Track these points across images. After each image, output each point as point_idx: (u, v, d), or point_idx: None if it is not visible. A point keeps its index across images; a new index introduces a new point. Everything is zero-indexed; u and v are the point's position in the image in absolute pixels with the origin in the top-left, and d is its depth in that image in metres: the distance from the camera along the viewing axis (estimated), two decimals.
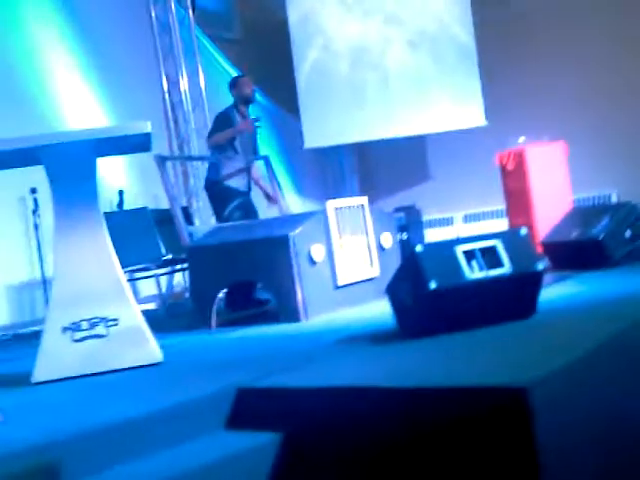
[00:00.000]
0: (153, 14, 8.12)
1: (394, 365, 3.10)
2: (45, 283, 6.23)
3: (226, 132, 6.01)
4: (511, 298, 3.50)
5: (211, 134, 6.17)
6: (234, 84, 6.34)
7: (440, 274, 3.39)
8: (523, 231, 3.61)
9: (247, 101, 6.26)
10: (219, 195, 6.08)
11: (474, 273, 3.42)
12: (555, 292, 4.18)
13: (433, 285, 3.35)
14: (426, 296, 3.39)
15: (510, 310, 3.51)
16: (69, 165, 3.87)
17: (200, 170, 8.22)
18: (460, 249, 3.46)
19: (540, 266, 3.52)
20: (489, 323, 3.44)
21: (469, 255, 3.46)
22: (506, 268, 3.45)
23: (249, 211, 6.09)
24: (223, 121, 6.11)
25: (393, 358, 3.24)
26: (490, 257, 3.46)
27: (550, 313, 3.63)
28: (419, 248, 3.45)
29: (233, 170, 6.05)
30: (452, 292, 3.41)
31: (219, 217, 6.08)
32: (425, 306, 3.44)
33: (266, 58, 8.79)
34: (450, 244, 3.51)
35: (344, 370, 3.11)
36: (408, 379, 2.71)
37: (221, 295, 5.28)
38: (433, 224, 9.31)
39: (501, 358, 2.85)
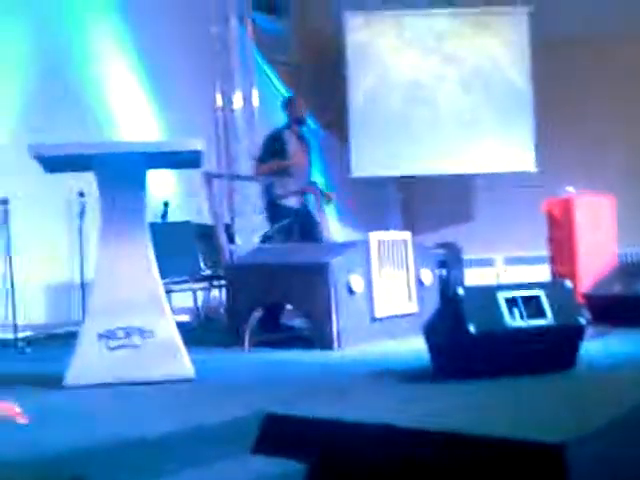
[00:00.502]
0: (213, 32, 8.20)
1: (427, 406, 3.06)
2: (84, 286, 6.28)
3: (277, 164, 6.03)
4: (551, 349, 3.45)
5: (262, 157, 6.19)
6: (288, 103, 6.39)
7: (480, 319, 3.36)
8: (568, 284, 3.57)
9: (299, 121, 6.29)
10: (273, 215, 6.13)
11: (515, 321, 3.38)
12: (595, 347, 4.11)
13: (472, 329, 3.32)
14: (464, 340, 3.36)
15: (549, 361, 3.46)
16: (119, 175, 3.92)
17: (246, 189, 8.26)
18: (502, 295, 3.43)
19: (583, 320, 3.47)
20: (526, 373, 3.39)
21: (511, 302, 3.42)
22: (548, 319, 3.41)
23: (304, 229, 6.05)
24: (274, 142, 6.14)
25: (426, 399, 3.20)
26: (532, 307, 3.43)
27: (590, 367, 3.57)
28: (461, 291, 3.43)
29: (286, 191, 6.06)
30: (491, 338, 3.37)
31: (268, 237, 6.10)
32: (462, 350, 3.41)
33: (320, 83, 8.83)
34: (493, 289, 3.49)
35: (376, 406, 3.08)
36: (440, 422, 2.67)
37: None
38: (473, 264, 9.23)
39: (537, 410, 2.81)
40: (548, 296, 3.45)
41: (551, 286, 3.55)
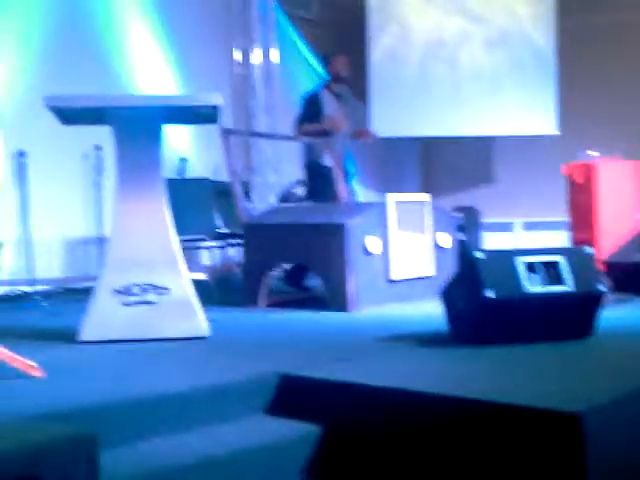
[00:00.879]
0: None
1: (443, 371, 3.04)
2: (101, 241, 6.27)
3: (315, 126, 5.94)
4: (569, 317, 3.41)
5: (300, 120, 6.08)
6: (329, 60, 6.22)
7: (498, 284, 3.31)
8: (588, 250, 3.51)
9: (338, 79, 6.15)
10: (311, 175, 6.13)
11: (534, 287, 3.34)
12: (614, 314, 4.06)
13: (490, 294, 3.28)
14: (481, 304, 3.33)
15: (567, 329, 3.42)
16: (136, 129, 3.87)
17: (263, 147, 8.20)
18: (521, 260, 3.38)
19: (602, 287, 3.42)
20: (544, 339, 3.37)
21: (530, 268, 3.38)
22: (567, 286, 3.37)
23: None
24: (310, 105, 6.04)
25: (442, 363, 3.19)
26: (552, 272, 3.38)
27: (607, 336, 3.53)
28: (479, 255, 3.38)
29: (324, 151, 6.02)
30: (509, 303, 3.34)
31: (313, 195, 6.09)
32: (480, 314, 3.37)
33: (340, 41, 8.69)
34: (511, 254, 3.43)
35: (390, 369, 3.06)
36: (456, 388, 2.65)
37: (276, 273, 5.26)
38: (491, 228, 9.16)
39: (554, 379, 2.77)
40: (568, 262, 3.40)
41: (571, 252, 3.49)
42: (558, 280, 3.36)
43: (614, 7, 8.56)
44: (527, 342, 3.34)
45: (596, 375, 2.83)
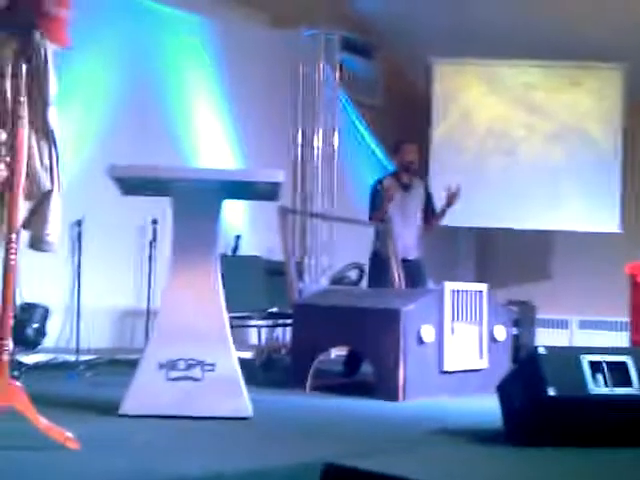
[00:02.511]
0: (301, 70, 8.20)
1: (494, 472, 2.86)
2: (149, 314, 6.23)
3: (380, 210, 5.92)
4: (636, 421, 3.20)
5: (371, 211, 6.04)
6: (396, 149, 6.20)
7: (561, 382, 3.14)
8: None
9: (407, 169, 6.09)
10: (372, 265, 6.07)
11: (599, 388, 3.16)
12: None
13: (552, 392, 3.10)
14: (541, 403, 3.15)
15: (633, 434, 3.21)
16: (196, 201, 3.85)
17: (318, 229, 8.17)
18: (587, 359, 3.20)
19: None
20: (607, 445, 3.16)
21: (595, 367, 3.20)
22: (635, 388, 3.17)
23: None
24: (373, 194, 6.03)
25: (494, 464, 3.00)
26: (618, 373, 3.20)
27: None
28: (542, 350, 3.22)
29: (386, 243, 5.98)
30: (571, 404, 3.15)
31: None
32: (539, 413, 3.19)
33: (403, 128, 8.72)
34: (576, 351, 3.26)
35: (438, 466, 2.88)
36: None
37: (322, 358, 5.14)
38: (546, 324, 8.92)
39: None
40: (635, 363, 3.22)
41: (639, 353, 3.31)
42: (625, 382, 3.17)
43: None
44: (588, 446, 3.14)
45: None
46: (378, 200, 5.96)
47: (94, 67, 6.37)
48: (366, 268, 6.18)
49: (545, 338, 8.56)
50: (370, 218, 6.04)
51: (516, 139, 8.49)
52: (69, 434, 2.85)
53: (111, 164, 3.72)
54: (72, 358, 5.87)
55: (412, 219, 6.10)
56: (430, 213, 6.25)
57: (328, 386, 5.09)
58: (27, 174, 2.97)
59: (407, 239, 6.01)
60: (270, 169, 3.84)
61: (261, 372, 5.52)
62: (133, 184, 3.91)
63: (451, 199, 6.13)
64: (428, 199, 6.21)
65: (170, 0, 6.97)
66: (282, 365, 6.27)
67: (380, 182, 6.09)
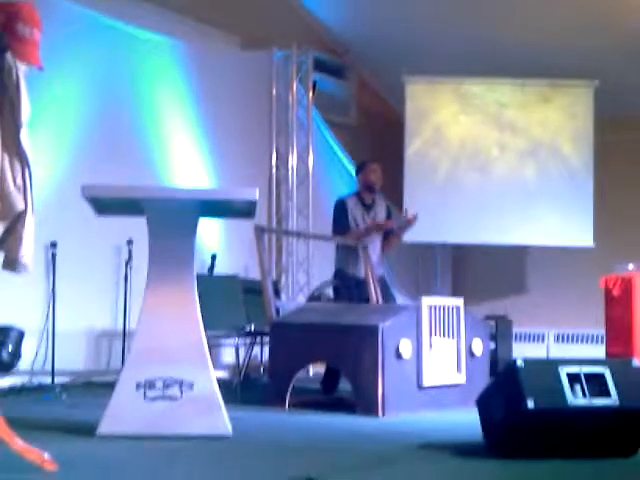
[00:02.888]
0: (274, 92, 8.22)
1: None
2: (125, 335, 6.18)
3: (351, 235, 5.94)
4: (612, 433, 3.23)
5: (334, 225, 6.07)
6: (360, 169, 6.22)
7: (539, 394, 3.15)
8: (635, 363, 3.35)
9: (370, 189, 6.11)
10: (338, 282, 6.08)
11: (577, 399, 3.17)
12: None
13: (530, 404, 3.11)
14: (520, 415, 3.16)
15: (609, 445, 3.23)
16: (171, 220, 3.84)
17: (294, 247, 8.17)
18: (565, 370, 3.22)
19: None
20: (585, 456, 3.18)
21: (573, 379, 3.21)
22: (612, 400, 3.19)
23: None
24: (339, 210, 6.04)
25: (477, 476, 3.00)
26: (596, 385, 3.21)
27: None
28: (520, 362, 3.23)
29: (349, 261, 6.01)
30: (549, 415, 3.16)
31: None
32: (518, 425, 3.20)
33: (377, 147, 8.77)
34: (554, 363, 3.28)
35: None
36: None
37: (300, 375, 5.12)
38: (523, 338, 8.97)
39: None
40: (613, 375, 3.24)
41: (617, 365, 3.33)
42: (603, 393, 3.19)
43: None
44: (568, 457, 3.15)
45: None
46: (343, 219, 5.99)
47: (67, 88, 6.35)
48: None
49: (522, 352, 8.59)
50: (334, 233, 6.09)
51: (489, 156, 8.56)
52: (46, 456, 2.81)
53: (85, 184, 3.70)
54: (48, 380, 5.81)
55: (376, 237, 6.10)
56: (390, 231, 6.27)
57: (307, 403, 5.07)
58: (0, 195, 2.95)
59: (372, 256, 6.00)
60: (245, 187, 3.85)
61: (239, 391, 5.48)
62: (107, 204, 3.90)
63: (409, 223, 6.22)
64: (389, 217, 6.23)
65: (142, 22, 6.98)
66: (260, 384, 6.24)
67: (342, 201, 6.10)
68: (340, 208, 6.05)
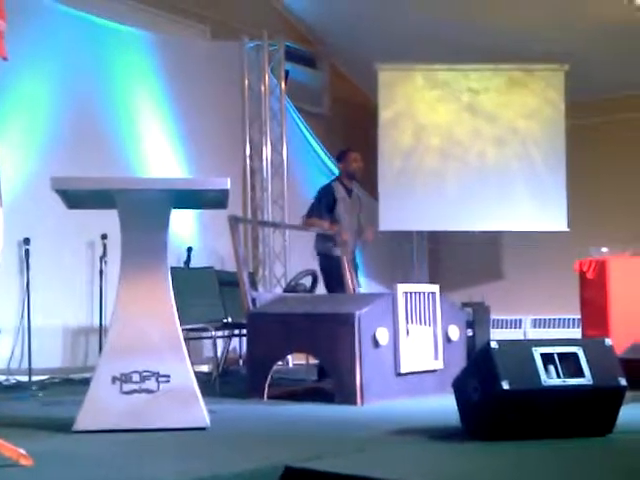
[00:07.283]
0: (246, 82, 8.20)
1: (454, 467, 2.87)
2: (102, 331, 6.15)
3: (323, 226, 6.08)
4: (587, 412, 3.25)
5: (313, 209, 6.21)
6: (342, 157, 6.41)
7: (514, 375, 3.17)
8: (608, 342, 3.38)
9: (352, 176, 6.34)
10: (325, 265, 6.18)
11: (551, 379, 3.19)
12: (633, 412, 3.88)
13: (505, 385, 3.13)
14: (496, 396, 3.18)
15: (584, 424, 3.26)
16: (143, 212, 3.81)
17: (271, 238, 8.16)
18: (538, 351, 3.24)
19: (623, 382, 3.27)
20: (560, 435, 3.20)
21: (547, 359, 3.24)
22: (586, 379, 3.22)
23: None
24: (325, 196, 6.21)
25: (453, 459, 3.01)
26: (570, 365, 3.24)
27: (627, 434, 3.35)
28: (494, 344, 3.25)
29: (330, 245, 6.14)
30: (524, 396, 3.18)
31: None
32: (494, 407, 3.21)
33: (351, 136, 8.76)
34: (528, 344, 3.30)
35: (399, 464, 2.89)
36: None
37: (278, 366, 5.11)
38: (500, 324, 9.02)
39: (570, 477, 2.60)
40: (587, 354, 3.26)
41: (590, 344, 3.35)
42: (577, 372, 3.21)
43: (622, 107, 8.66)
44: (543, 437, 3.17)
45: (615, 475, 2.66)
46: (325, 202, 6.17)
47: (36, 82, 6.29)
48: (319, 274, 6.19)
49: (499, 338, 8.64)
50: (309, 216, 6.20)
51: (463, 142, 8.58)
52: (22, 451, 2.79)
53: (55, 176, 3.67)
54: (24, 379, 5.76)
55: (355, 221, 6.38)
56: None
57: (286, 394, 5.07)
58: None
59: (351, 239, 6.22)
60: (217, 177, 3.83)
61: (218, 384, 5.46)
62: (78, 196, 3.86)
63: (366, 241, 6.57)
64: (359, 207, 6.47)
65: (111, 14, 6.93)
66: (239, 376, 6.23)
67: (330, 185, 6.31)
68: (327, 191, 6.25)
